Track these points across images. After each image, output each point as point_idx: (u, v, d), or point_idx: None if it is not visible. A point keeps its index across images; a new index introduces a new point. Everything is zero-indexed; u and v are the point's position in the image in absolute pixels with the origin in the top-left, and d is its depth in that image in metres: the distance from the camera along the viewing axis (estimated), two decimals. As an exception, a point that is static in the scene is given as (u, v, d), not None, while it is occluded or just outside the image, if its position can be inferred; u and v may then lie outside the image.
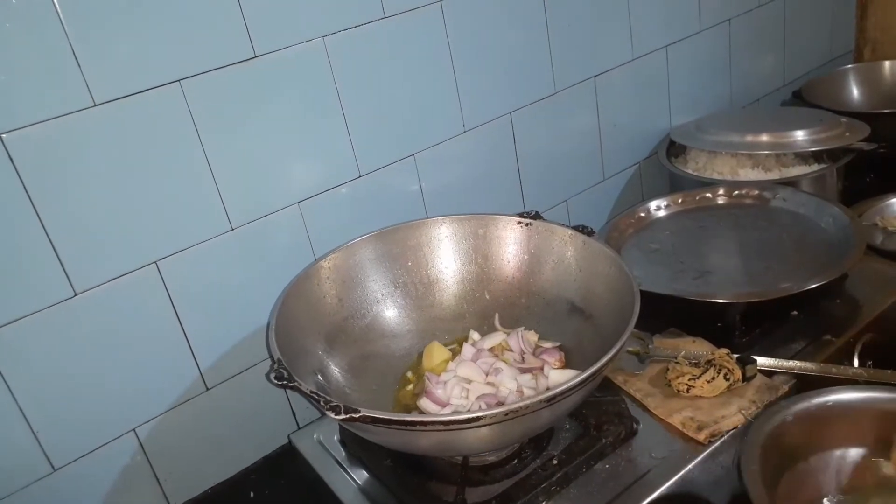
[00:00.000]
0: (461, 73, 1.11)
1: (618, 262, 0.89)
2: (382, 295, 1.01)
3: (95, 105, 0.82)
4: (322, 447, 0.97)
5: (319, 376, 0.88)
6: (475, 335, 1.00)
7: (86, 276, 0.86)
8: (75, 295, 0.85)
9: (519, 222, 1.01)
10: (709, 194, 1.27)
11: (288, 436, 1.04)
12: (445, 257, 1.03)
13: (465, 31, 1.10)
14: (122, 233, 0.87)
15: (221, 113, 0.91)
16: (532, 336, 0.96)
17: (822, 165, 1.30)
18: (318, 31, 0.96)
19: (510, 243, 1.02)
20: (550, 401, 0.71)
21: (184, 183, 0.90)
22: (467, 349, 0.96)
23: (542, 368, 0.91)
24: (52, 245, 0.83)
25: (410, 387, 0.94)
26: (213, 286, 0.96)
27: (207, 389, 0.99)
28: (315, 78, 0.98)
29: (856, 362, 0.98)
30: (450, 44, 1.09)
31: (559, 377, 0.88)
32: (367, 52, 1.01)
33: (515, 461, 0.87)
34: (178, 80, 0.87)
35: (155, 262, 0.90)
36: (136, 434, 0.94)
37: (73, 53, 0.79)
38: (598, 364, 0.73)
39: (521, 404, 0.69)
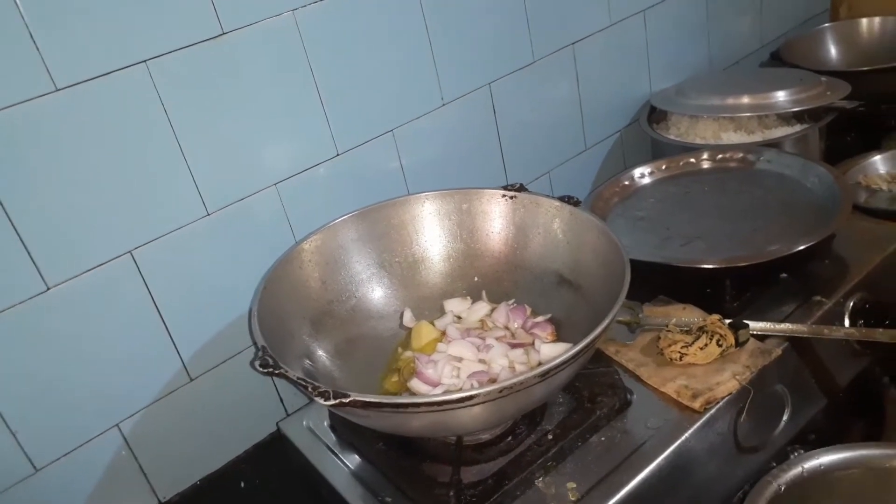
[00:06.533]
0: (437, 43, 1.08)
1: (606, 231, 0.88)
2: (367, 276, 0.98)
3: (58, 90, 0.78)
4: (312, 433, 0.96)
5: (307, 361, 0.86)
6: (450, 304, 0.98)
7: (58, 270, 0.83)
8: (48, 289, 0.82)
9: (503, 195, 0.99)
10: (692, 159, 1.25)
11: (276, 423, 1.02)
12: (430, 234, 1.01)
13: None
14: (93, 222, 0.84)
15: (191, 93, 0.87)
16: (525, 310, 0.95)
17: (805, 125, 1.29)
18: (288, 5, 0.92)
19: (495, 217, 1.00)
20: (544, 375, 0.69)
21: (155, 168, 0.87)
22: (451, 328, 0.94)
23: (532, 343, 0.89)
24: (21, 239, 0.79)
25: (396, 378, 0.91)
26: (191, 274, 0.93)
27: (191, 380, 0.96)
28: (287, 54, 0.94)
29: (846, 322, 0.97)
30: (424, 13, 1.05)
31: (551, 351, 0.86)
32: (339, 25, 0.97)
33: (510, 438, 0.86)
34: (144, 61, 0.83)
35: (130, 252, 0.87)
36: (119, 429, 0.91)
37: (31, 36, 0.75)
38: (592, 335, 0.72)
39: (515, 380, 0.68)
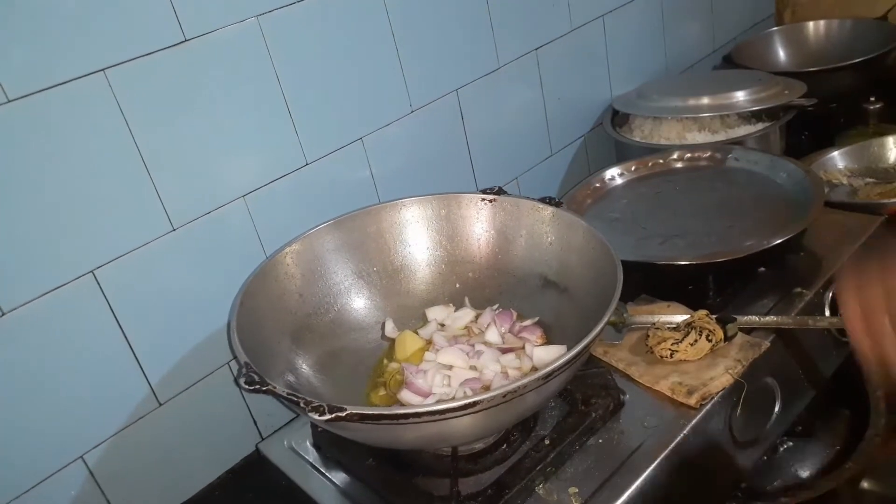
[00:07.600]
0: (404, 50, 1.06)
1: (592, 231, 0.86)
2: (346, 287, 0.95)
3: (10, 101, 0.73)
4: (295, 453, 0.91)
5: (290, 377, 0.82)
6: (433, 312, 0.96)
7: (14, 293, 0.77)
8: (3, 315, 0.76)
9: (483, 199, 0.97)
10: (661, 160, 1.26)
11: (256, 445, 0.97)
12: (409, 242, 0.98)
13: (405, 6, 1.04)
14: (52, 242, 0.79)
15: (153, 103, 0.83)
16: (511, 314, 0.92)
17: (766, 124, 1.31)
18: (251, 11, 0.89)
19: (475, 222, 0.97)
20: (548, 377, 0.67)
21: (117, 182, 0.82)
22: (437, 336, 0.91)
23: (523, 347, 0.87)
24: (-28, 261, 0.74)
25: (382, 391, 0.88)
26: (157, 293, 0.88)
27: (160, 405, 0.91)
28: (251, 61, 0.91)
29: (826, 312, 0.98)
30: (390, 20, 1.03)
31: (544, 354, 0.84)
32: (304, 32, 0.94)
33: (504, 446, 0.83)
34: (103, 70, 0.79)
35: (91, 272, 0.82)
36: (84, 461, 0.85)
37: (-22, 44, 0.70)
38: (592, 334, 0.70)
39: (519, 384, 0.65)
